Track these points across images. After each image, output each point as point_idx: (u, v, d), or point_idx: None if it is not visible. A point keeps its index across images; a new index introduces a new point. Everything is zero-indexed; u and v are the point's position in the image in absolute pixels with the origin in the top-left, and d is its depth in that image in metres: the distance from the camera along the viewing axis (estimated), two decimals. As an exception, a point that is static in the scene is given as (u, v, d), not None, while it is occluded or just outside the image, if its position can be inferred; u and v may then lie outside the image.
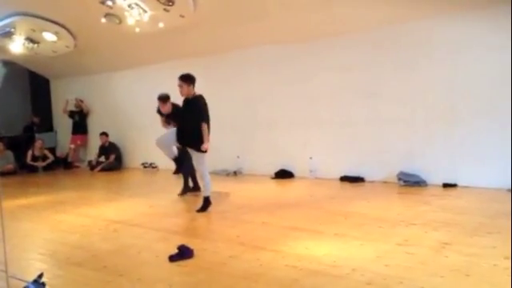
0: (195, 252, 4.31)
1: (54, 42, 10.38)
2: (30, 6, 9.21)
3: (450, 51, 7.23)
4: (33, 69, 13.53)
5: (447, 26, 7.21)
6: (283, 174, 9.07)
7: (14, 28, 9.76)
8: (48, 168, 12.37)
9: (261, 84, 9.53)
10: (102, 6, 7.99)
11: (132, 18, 8.29)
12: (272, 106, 9.40)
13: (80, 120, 13.16)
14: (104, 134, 12.05)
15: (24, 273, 3.93)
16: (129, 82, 12.05)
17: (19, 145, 12.48)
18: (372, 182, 8.03)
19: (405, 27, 7.53)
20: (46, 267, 4.24)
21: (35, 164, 12.26)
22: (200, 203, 6.23)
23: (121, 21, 8.59)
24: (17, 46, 10.46)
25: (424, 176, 7.44)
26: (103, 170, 11.66)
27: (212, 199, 6.26)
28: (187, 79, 6.01)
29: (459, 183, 7.18)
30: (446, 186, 7.21)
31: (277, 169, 9.19)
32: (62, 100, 13.48)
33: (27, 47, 10.52)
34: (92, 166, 12.12)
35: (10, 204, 7.33)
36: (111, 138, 12.11)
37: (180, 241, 4.59)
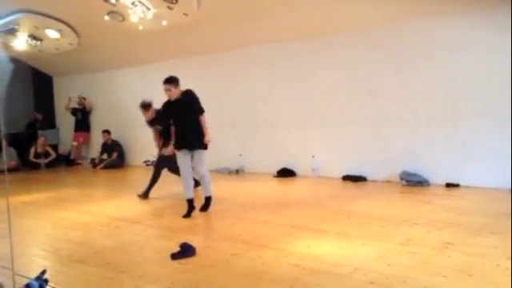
0: (197, 250, 4.31)
1: (57, 39, 10.39)
2: (33, 3, 9.21)
3: (451, 50, 7.22)
4: (36, 66, 13.54)
5: (448, 26, 7.19)
6: (285, 173, 9.06)
7: (18, 25, 9.77)
8: (50, 165, 12.39)
9: (263, 82, 9.53)
10: (106, 3, 7.98)
11: (135, 16, 8.29)
12: (274, 104, 9.40)
13: (82, 117, 13.18)
14: (106, 131, 12.07)
15: (27, 269, 3.94)
16: (131, 79, 12.05)
17: (22, 141, 12.50)
18: (374, 181, 8.02)
19: (406, 26, 7.51)
20: (49, 264, 4.25)
21: (38, 161, 12.28)
22: (201, 202, 6.20)
23: (124, 18, 8.59)
24: (20, 43, 10.48)
25: (426, 175, 7.43)
26: (105, 167, 11.68)
27: (213, 197, 6.22)
28: (173, 81, 5.87)
29: (462, 183, 7.17)
30: (448, 185, 7.20)
31: (279, 167, 9.18)
32: (64, 97, 13.50)
33: (30, 44, 10.53)
34: (94, 164, 12.14)
35: (12, 200, 7.28)
36: (113, 136, 12.12)
37: (182, 238, 4.59)
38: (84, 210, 6.71)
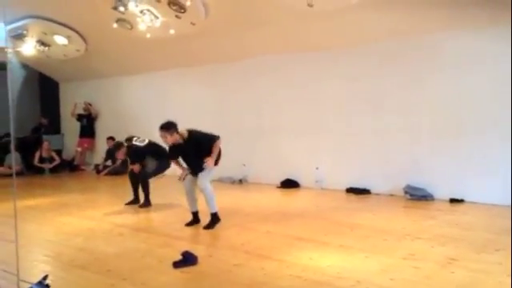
0: (199, 259, 4.29)
1: (65, 45, 10.47)
2: (42, 9, 9.30)
3: (457, 65, 7.22)
4: (43, 71, 13.64)
5: (455, 41, 7.20)
6: (289, 184, 9.04)
7: (27, 30, 9.86)
8: (54, 170, 12.40)
9: (268, 92, 9.54)
10: (114, 11, 8.03)
11: (143, 24, 8.33)
12: (279, 114, 9.41)
13: (88, 123, 13.22)
14: (111, 138, 12.05)
15: (28, 274, 3.92)
16: (137, 87, 12.10)
17: (27, 146, 12.52)
18: (378, 194, 7.99)
19: (413, 40, 7.53)
20: (50, 269, 4.24)
21: (42, 166, 12.30)
22: (202, 210, 6.18)
23: (132, 26, 8.64)
24: (28, 49, 10.55)
25: (431, 190, 7.40)
26: (109, 174, 11.67)
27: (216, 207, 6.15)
28: (169, 128, 5.68)
29: (466, 198, 7.12)
30: (452, 200, 7.16)
31: (282, 178, 9.16)
32: (70, 103, 13.55)
33: (38, 50, 10.61)
34: (98, 170, 12.14)
35: (16, 205, 7.32)
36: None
37: (184, 247, 4.58)
38: (87, 215, 6.71)
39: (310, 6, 6.97)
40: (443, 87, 7.38)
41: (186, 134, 5.74)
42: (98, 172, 12.05)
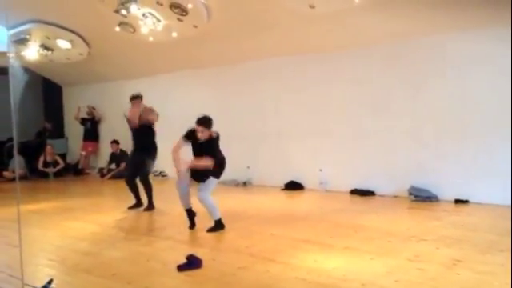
0: (204, 262, 4.29)
1: (68, 49, 10.50)
2: (45, 13, 9.33)
3: (461, 66, 7.22)
4: (46, 75, 13.68)
5: (458, 42, 7.20)
6: (293, 186, 9.04)
7: (30, 35, 9.88)
8: (58, 174, 12.43)
9: (271, 95, 9.55)
10: (117, 14, 8.05)
11: (146, 27, 8.35)
12: (283, 117, 9.41)
13: (92, 127, 13.26)
14: (115, 141, 12.09)
15: (33, 278, 3.93)
16: (141, 90, 11.96)
17: (31, 150, 12.55)
18: (382, 195, 7.98)
19: (416, 42, 7.54)
20: (55, 273, 4.24)
21: (46, 170, 12.33)
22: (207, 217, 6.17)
23: (135, 30, 8.66)
24: (31, 53, 10.58)
25: (435, 191, 7.38)
26: (113, 177, 11.68)
27: (220, 209, 6.08)
28: (206, 123, 5.68)
29: (471, 199, 7.11)
30: (457, 201, 7.15)
31: (286, 180, 9.16)
32: (74, 107, 13.59)
33: (42, 54, 10.64)
34: (102, 174, 12.16)
35: (20, 209, 7.34)
36: (122, 146, 12.14)
37: (188, 250, 4.58)
38: (91, 219, 6.71)
39: (312, 7, 6.97)
40: (446, 88, 7.37)
41: (214, 135, 5.75)
42: (103, 176, 12.08)
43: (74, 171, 12.99)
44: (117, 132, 12.45)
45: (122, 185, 10.80)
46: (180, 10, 7.89)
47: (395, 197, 7.79)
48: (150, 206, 7.28)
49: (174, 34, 8.60)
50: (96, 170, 13.00)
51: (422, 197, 7.35)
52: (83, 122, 13.26)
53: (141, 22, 8.29)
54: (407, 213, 6.81)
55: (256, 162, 9.79)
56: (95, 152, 13.45)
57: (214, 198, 5.81)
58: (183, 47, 9.53)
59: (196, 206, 5.90)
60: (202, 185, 5.74)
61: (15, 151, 9.61)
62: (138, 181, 7.48)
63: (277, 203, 7.87)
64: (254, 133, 9.84)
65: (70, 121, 13.96)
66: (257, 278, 3.94)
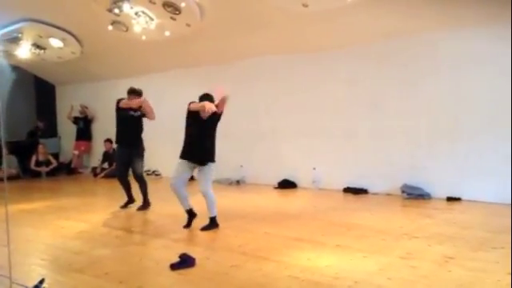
0: (197, 261, 4.28)
1: (61, 48, 10.44)
2: (37, 12, 9.26)
3: (454, 65, 7.25)
4: (39, 74, 13.60)
5: (452, 40, 7.23)
6: (286, 184, 9.05)
7: (22, 33, 9.82)
8: (51, 173, 12.37)
9: (265, 94, 9.55)
10: (109, 13, 8.03)
11: (139, 26, 8.33)
12: (276, 116, 9.42)
13: (84, 126, 13.21)
14: (108, 140, 12.04)
15: (25, 278, 3.92)
16: (134, 89, 12.05)
17: (23, 149, 12.48)
18: (375, 194, 8.00)
19: (409, 40, 7.56)
20: (47, 273, 4.22)
21: (39, 169, 12.27)
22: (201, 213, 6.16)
23: (127, 28, 8.64)
24: (23, 52, 10.53)
25: (428, 189, 7.42)
26: (106, 176, 11.64)
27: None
28: (209, 97, 5.73)
29: (463, 197, 7.15)
30: (449, 199, 7.19)
31: (280, 179, 9.17)
32: (66, 106, 13.52)
33: (34, 53, 10.59)
34: (95, 173, 12.12)
35: (12, 209, 7.27)
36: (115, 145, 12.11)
37: (181, 249, 4.58)
38: (84, 219, 6.69)
39: (305, 6, 6.98)
40: (439, 87, 7.41)
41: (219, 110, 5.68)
42: (95, 175, 12.04)
43: (66, 170, 12.93)
44: (109, 131, 12.41)
45: (114, 184, 10.76)
46: (173, 9, 7.87)
47: (388, 195, 7.82)
48: (146, 204, 7.25)
49: (167, 33, 8.59)
50: (89, 169, 12.96)
51: (414, 195, 7.38)
52: (76, 121, 13.20)
53: (133, 21, 8.27)
54: (400, 211, 6.83)
55: (249, 160, 9.79)
56: (88, 151, 13.39)
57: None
58: (176, 46, 9.51)
59: (196, 206, 5.90)
60: (201, 176, 5.74)
61: (4, 151, 9.50)
62: (131, 178, 7.44)
63: (270, 202, 7.88)
64: (248, 131, 9.84)
65: (63, 120, 13.89)
66: (250, 276, 3.95)
